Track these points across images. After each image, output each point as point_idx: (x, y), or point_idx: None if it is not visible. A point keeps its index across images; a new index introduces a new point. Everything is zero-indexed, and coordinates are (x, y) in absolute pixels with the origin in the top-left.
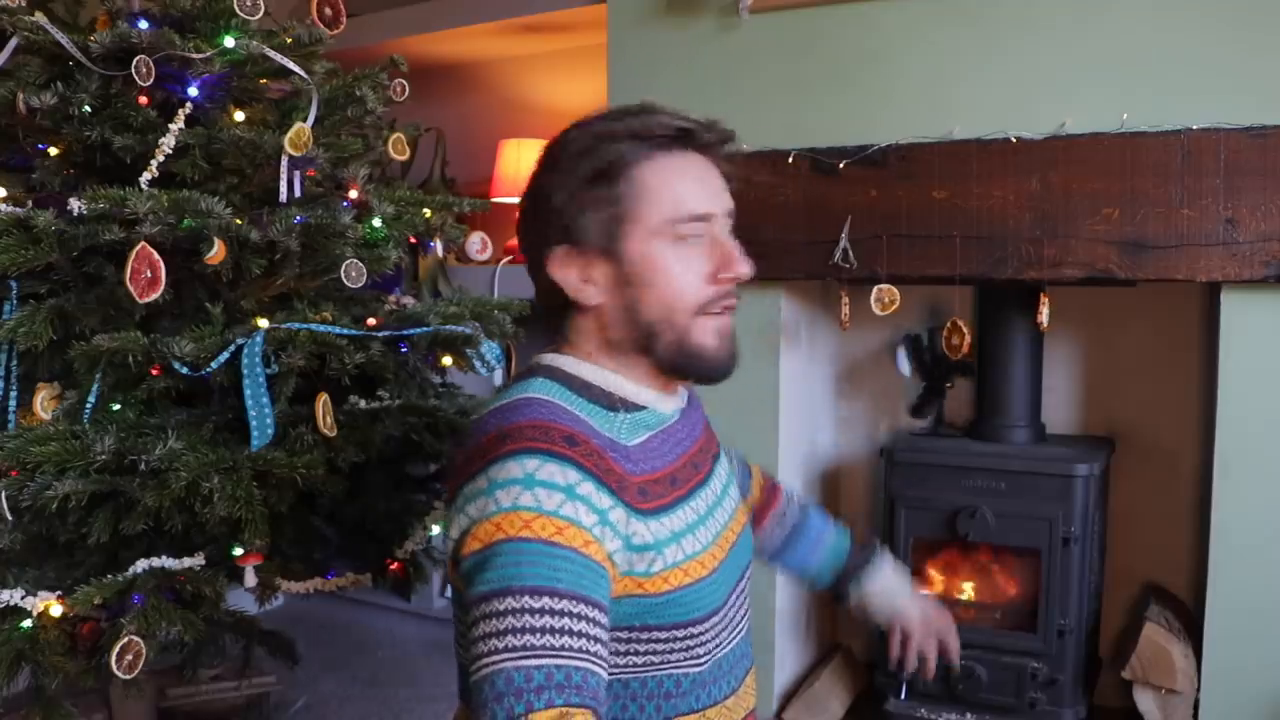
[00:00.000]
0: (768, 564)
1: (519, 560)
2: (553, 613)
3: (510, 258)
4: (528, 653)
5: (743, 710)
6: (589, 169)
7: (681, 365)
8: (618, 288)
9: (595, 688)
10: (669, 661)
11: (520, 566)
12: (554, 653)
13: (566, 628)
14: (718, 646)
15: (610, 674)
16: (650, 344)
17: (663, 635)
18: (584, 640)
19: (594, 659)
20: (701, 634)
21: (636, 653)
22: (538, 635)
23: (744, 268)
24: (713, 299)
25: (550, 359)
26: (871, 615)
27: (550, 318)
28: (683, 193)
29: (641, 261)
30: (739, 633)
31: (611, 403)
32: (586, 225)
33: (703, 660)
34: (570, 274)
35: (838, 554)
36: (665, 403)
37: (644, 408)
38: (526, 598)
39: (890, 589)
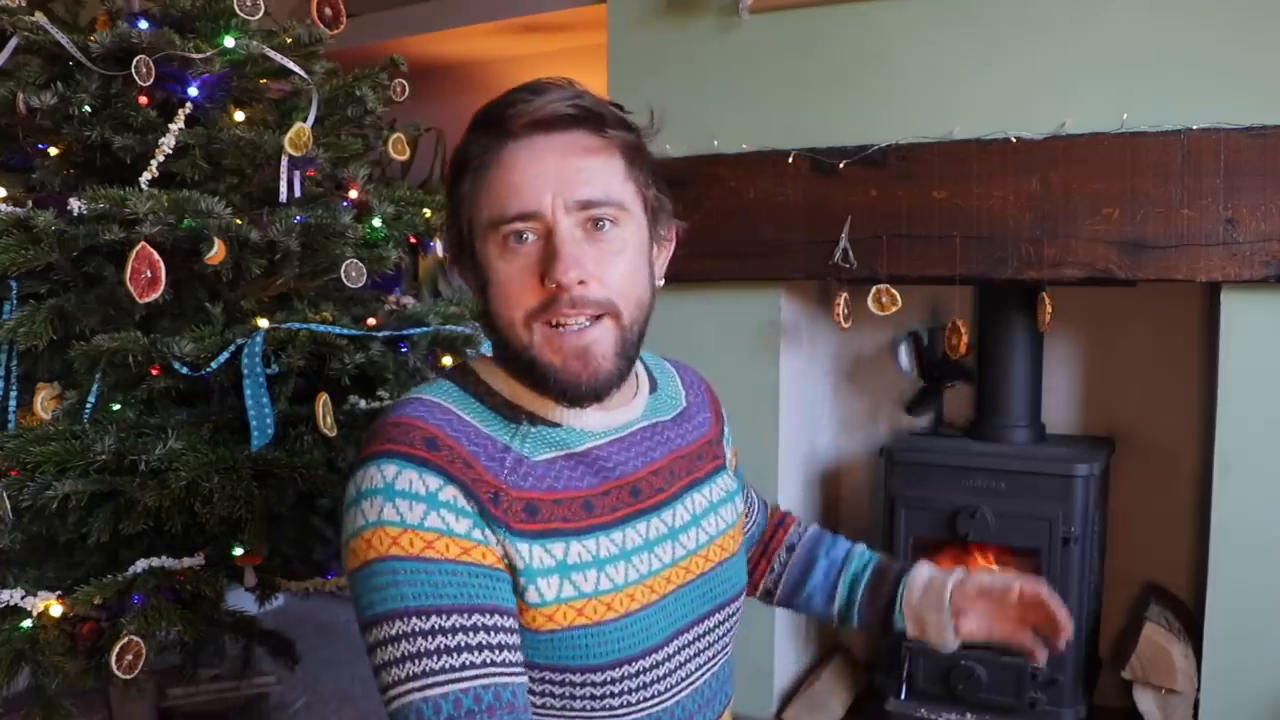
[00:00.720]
0: (780, 606)
1: (396, 580)
2: (443, 631)
3: None
4: (429, 680)
5: None
6: (454, 164)
7: (540, 383)
8: (478, 293)
9: (510, 700)
10: (571, 709)
11: (400, 586)
12: (455, 675)
13: (462, 644)
14: (646, 700)
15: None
16: (510, 356)
17: (556, 678)
18: (486, 652)
19: (501, 670)
20: (607, 682)
21: (532, 692)
22: (435, 658)
23: (560, 273)
24: (540, 307)
25: (473, 361)
26: (937, 625)
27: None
28: (502, 190)
29: (483, 264)
30: (690, 685)
31: (514, 414)
32: (451, 225)
33: (620, 712)
34: (463, 276)
35: (855, 579)
36: (583, 420)
37: (556, 425)
38: (414, 619)
39: (936, 586)
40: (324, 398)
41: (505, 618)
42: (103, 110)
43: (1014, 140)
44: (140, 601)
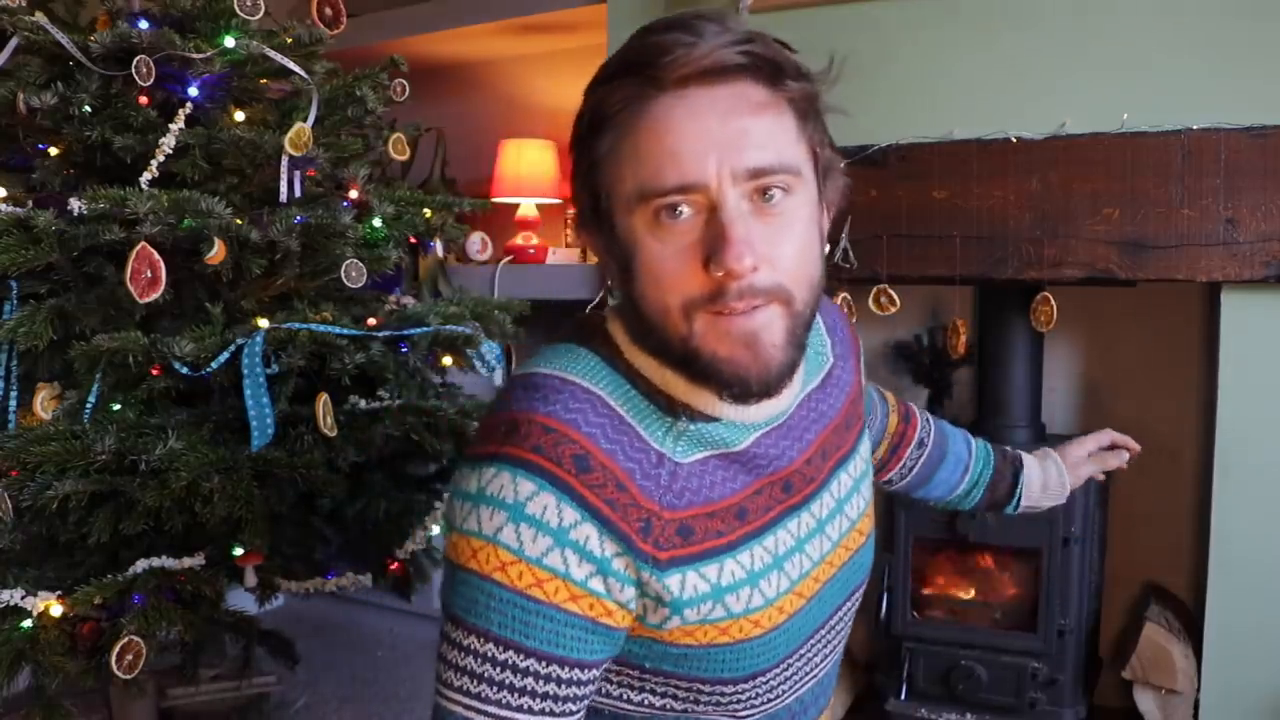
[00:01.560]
0: (908, 496)
1: (489, 604)
2: (515, 669)
3: (510, 257)
4: (481, 704)
5: None
6: (580, 118)
7: (702, 377)
8: (619, 271)
9: None
10: (692, 712)
11: (490, 610)
12: (509, 711)
13: (528, 688)
14: (772, 700)
15: (621, 712)
16: (663, 349)
17: (683, 684)
18: (547, 702)
19: (555, 718)
20: (739, 692)
21: (653, 691)
22: (494, 688)
23: (735, 260)
24: (706, 297)
25: (609, 323)
26: (1053, 498)
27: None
28: (656, 156)
29: (628, 241)
30: (813, 678)
31: (671, 407)
32: (579, 190)
33: (743, 715)
34: (593, 248)
35: (976, 480)
36: (745, 413)
37: (717, 419)
38: (491, 646)
39: (1048, 484)
40: (324, 398)
41: (585, 671)
42: (103, 110)
43: (1014, 140)
44: (140, 601)
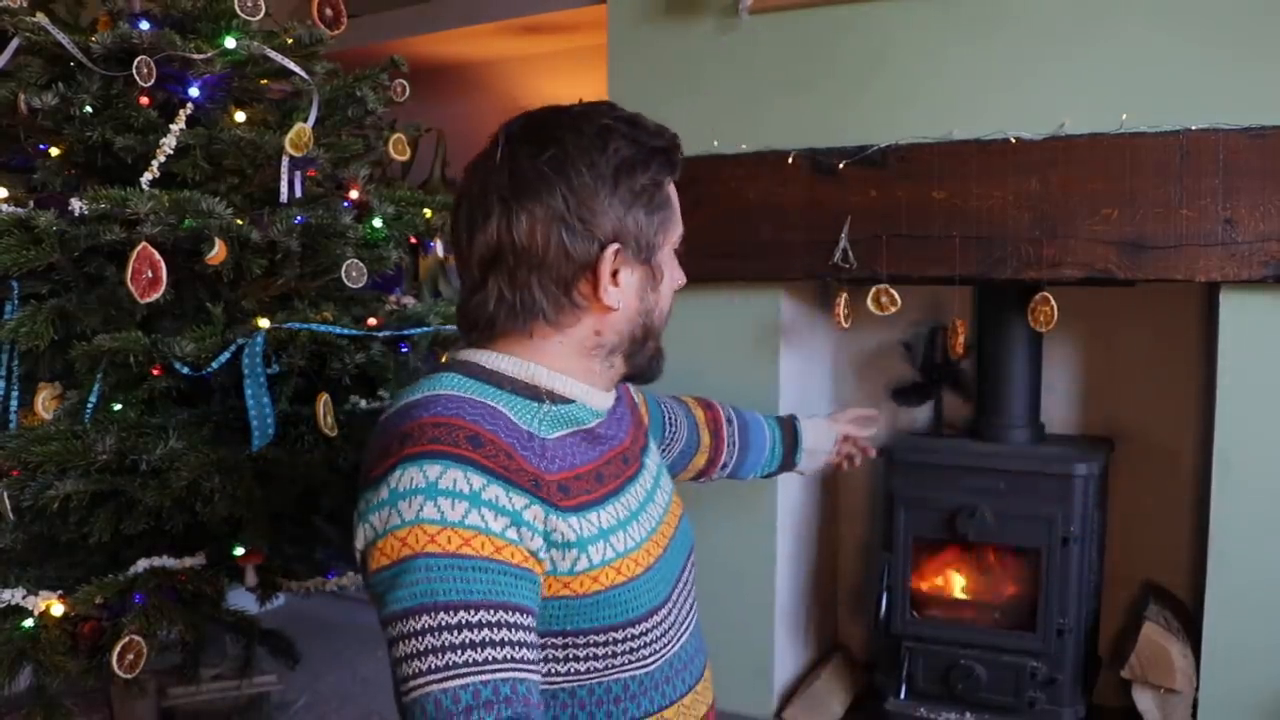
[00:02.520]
0: (731, 478)
1: (429, 576)
2: (470, 626)
3: None
4: (451, 672)
5: (703, 707)
6: (645, 181)
7: (648, 369)
8: (644, 293)
9: (526, 695)
10: (614, 666)
11: (431, 583)
12: (478, 668)
13: (487, 639)
14: (666, 645)
15: (552, 684)
16: (639, 348)
17: (600, 638)
18: (508, 649)
19: (521, 665)
20: (644, 634)
21: (576, 658)
22: (459, 652)
23: (684, 278)
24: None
25: (466, 354)
26: (821, 463)
27: (478, 312)
28: (679, 214)
29: (660, 271)
30: (687, 629)
31: (535, 394)
32: (641, 232)
33: (650, 661)
34: (609, 273)
35: (774, 447)
36: (594, 399)
37: (570, 401)
38: (442, 614)
39: (819, 440)
40: (325, 398)
41: (527, 617)
42: (104, 111)
43: (1013, 141)
44: (141, 601)
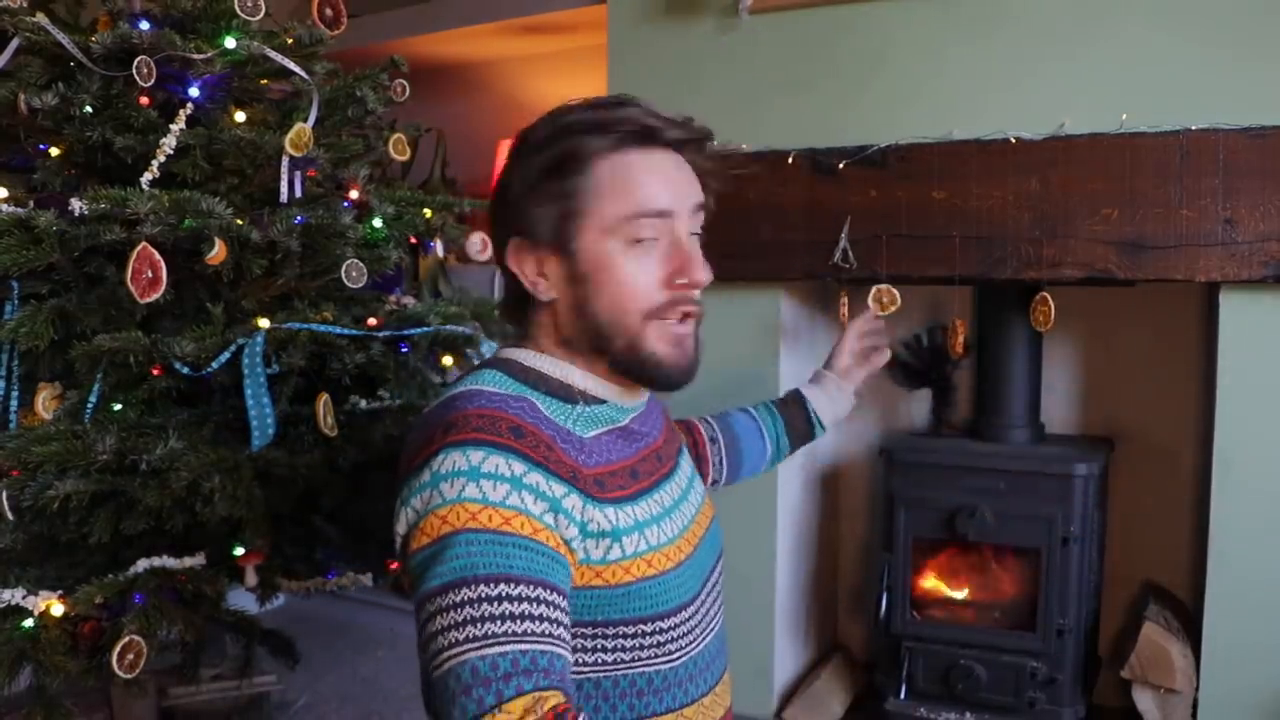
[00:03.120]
0: (740, 478)
1: (470, 551)
2: (510, 599)
3: None
4: (490, 640)
5: (720, 709)
6: (547, 160)
7: (634, 370)
8: (568, 285)
9: (562, 670)
10: (640, 659)
11: (472, 557)
12: (517, 638)
13: (526, 612)
14: (691, 643)
15: (579, 674)
16: (602, 345)
17: (629, 630)
18: (546, 624)
19: (557, 641)
20: (672, 629)
21: (604, 649)
22: (498, 622)
23: (701, 274)
24: (666, 304)
25: (507, 352)
26: (844, 410)
27: (511, 310)
28: (640, 188)
29: (593, 260)
30: (712, 630)
31: (569, 395)
32: (540, 217)
33: (675, 657)
34: (526, 267)
35: (779, 440)
36: (625, 398)
37: (603, 402)
38: (482, 586)
39: (835, 398)
40: (325, 398)
41: (562, 598)
42: (104, 111)
43: (1013, 141)
44: (141, 601)
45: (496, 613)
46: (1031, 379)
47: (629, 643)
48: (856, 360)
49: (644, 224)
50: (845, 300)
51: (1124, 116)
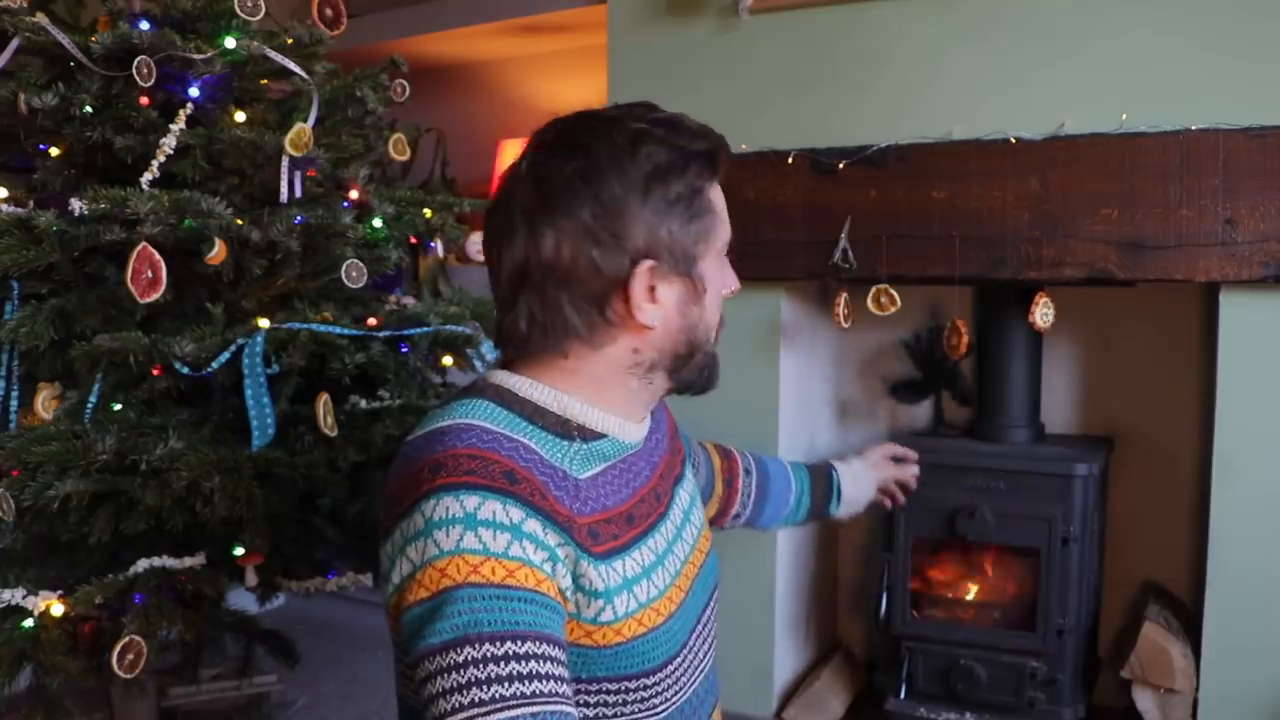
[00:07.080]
0: (747, 527)
1: (473, 607)
2: (517, 657)
3: None
4: (498, 705)
5: None
6: (681, 188)
7: (699, 382)
8: (685, 306)
9: None
10: (622, 714)
11: (476, 614)
12: (527, 700)
13: (534, 671)
14: (678, 693)
15: None
16: (684, 363)
17: (613, 687)
18: (552, 682)
19: (564, 700)
20: (657, 683)
21: (586, 704)
22: (505, 684)
23: (737, 281)
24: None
25: (501, 377)
26: (860, 509)
27: (514, 330)
28: (726, 217)
29: (707, 281)
30: (701, 672)
31: (567, 430)
32: (676, 243)
33: (660, 709)
34: (640, 290)
35: (801, 498)
36: (629, 431)
37: (604, 436)
38: (488, 645)
39: (859, 479)
40: (325, 398)
41: (563, 651)
42: (104, 111)
43: (1013, 141)
44: (141, 601)
45: (504, 673)
46: (1031, 379)
47: (612, 698)
48: (887, 463)
49: (726, 249)
50: (842, 300)
51: (1124, 116)
